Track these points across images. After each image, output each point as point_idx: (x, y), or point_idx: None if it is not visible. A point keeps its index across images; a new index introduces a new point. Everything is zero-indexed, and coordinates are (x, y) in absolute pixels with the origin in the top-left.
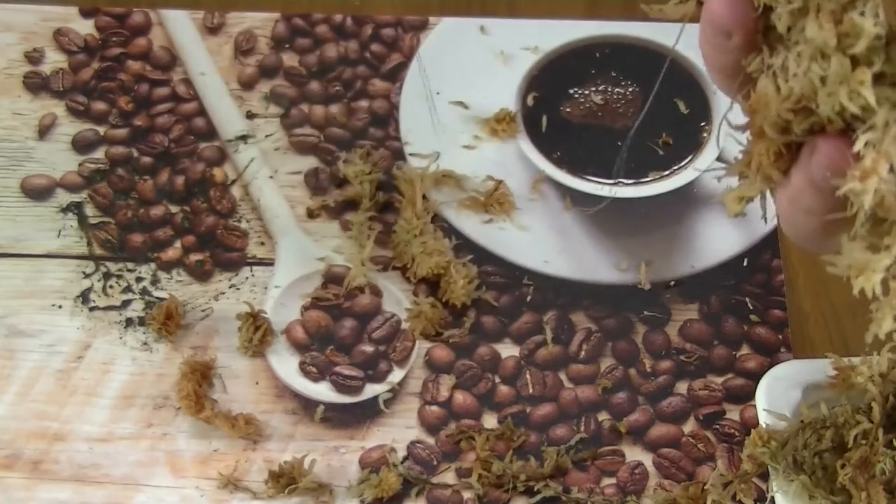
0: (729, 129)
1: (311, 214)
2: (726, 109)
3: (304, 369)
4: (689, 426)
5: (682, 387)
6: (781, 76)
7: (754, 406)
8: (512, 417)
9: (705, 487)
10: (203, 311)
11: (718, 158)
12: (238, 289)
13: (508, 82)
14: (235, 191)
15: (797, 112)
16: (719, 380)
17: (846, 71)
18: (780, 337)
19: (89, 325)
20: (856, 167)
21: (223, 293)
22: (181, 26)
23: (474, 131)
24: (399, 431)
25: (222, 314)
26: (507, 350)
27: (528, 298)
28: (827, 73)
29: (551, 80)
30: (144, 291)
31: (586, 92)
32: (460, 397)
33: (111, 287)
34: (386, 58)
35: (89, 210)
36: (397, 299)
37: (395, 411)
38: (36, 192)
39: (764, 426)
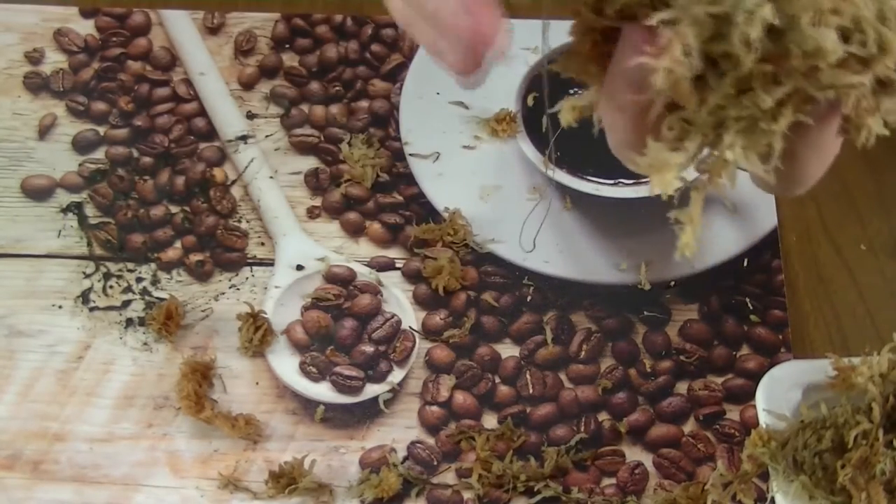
0: None
1: (312, 214)
2: None
3: (304, 369)
4: (689, 426)
5: (682, 387)
6: None
7: (754, 406)
8: (512, 417)
9: (705, 487)
10: (203, 311)
11: None
12: (238, 289)
13: (508, 82)
14: (235, 191)
15: None
16: (719, 380)
17: None
18: (780, 337)
19: (89, 325)
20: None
21: (223, 293)
22: (181, 26)
23: (474, 131)
24: (399, 431)
25: (222, 314)
26: (507, 350)
27: (528, 298)
28: None
29: (551, 80)
30: (144, 292)
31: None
32: (460, 397)
33: (111, 287)
34: (386, 58)
35: (89, 210)
36: (397, 299)
37: (395, 411)
38: (36, 193)
39: (764, 426)
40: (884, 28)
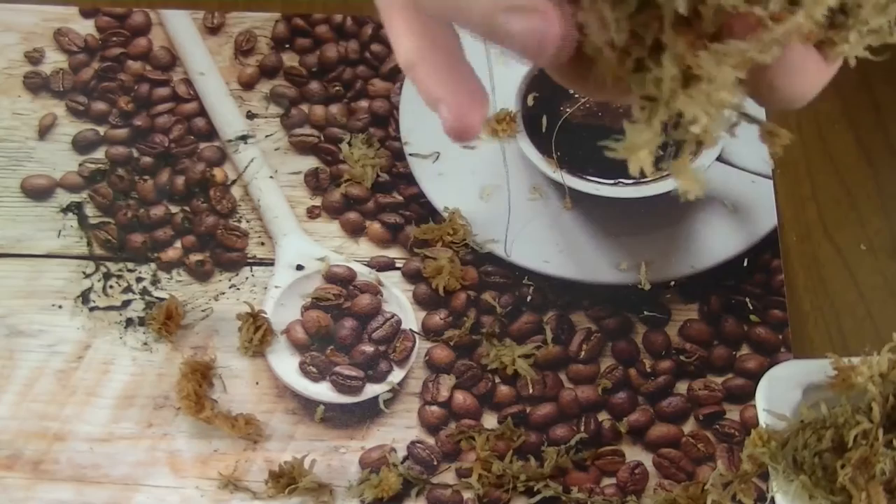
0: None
1: (312, 214)
2: None
3: (304, 369)
4: (689, 426)
5: (682, 387)
6: None
7: (754, 406)
8: (512, 417)
9: (705, 487)
10: (203, 311)
11: (718, 158)
12: (238, 289)
13: (508, 82)
14: (235, 191)
15: None
16: (719, 380)
17: None
18: (780, 337)
19: (89, 325)
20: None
21: (223, 293)
22: (181, 26)
23: None
24: (399, 431)
25: (222, 314)
26: None
27: (528, 298)
28: None
29: (551, 80)
30: (144, 291)
31: None
32: (460, 397)
33: (111, 287)
34: (386, 58)
35: (89, 210)
36: (397, 299)
37: (395, 411)
38: (36, 193)
39: (764, 426)
40: None
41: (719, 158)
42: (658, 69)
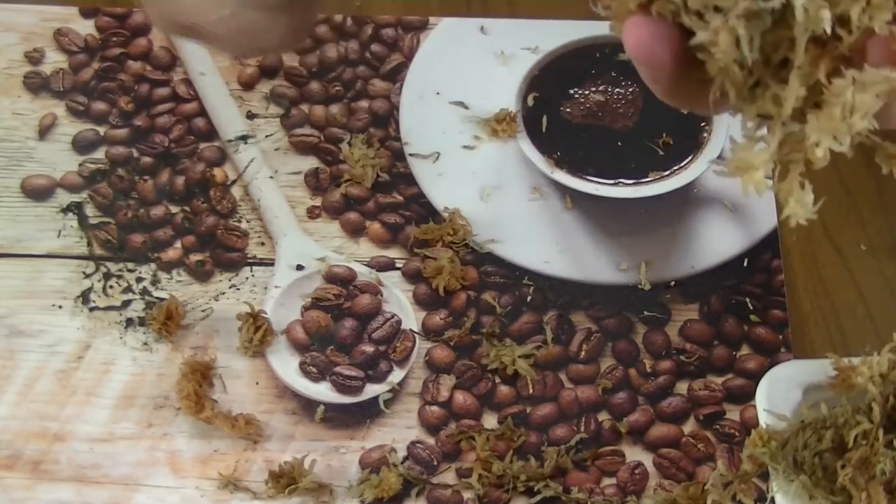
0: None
1: (312, 214)
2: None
3: (304, 369)
4: (689, 426)
5: (682, 387)
6: None
7: (754, 406)
8: (512, 417)
9: (705, 487)
10: (203, 311)
11: (719, 158)
12: (238, 289)
13: (508, 82)
14: (236, 191)
15: None
16: (719, 380)
17: None
18: (780, 337)
19: (89, 325)
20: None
21: (223, 293)
22: None
23: (474, 131)
24: (399, 431)
25: (222, 314)
26: None
27: (528, 298)
28: None
29: (551, 80)
30: (145, 291)
31: (586, 92)
32: (460, 397)
33: (111, 287)
34: (386, 58)
35: (89, 210)
36: (398, 299)
37: (395, 411)
38: (36, 193)
39: (764, 426)
40: None
41: (719, 158)
42: (779, 87)
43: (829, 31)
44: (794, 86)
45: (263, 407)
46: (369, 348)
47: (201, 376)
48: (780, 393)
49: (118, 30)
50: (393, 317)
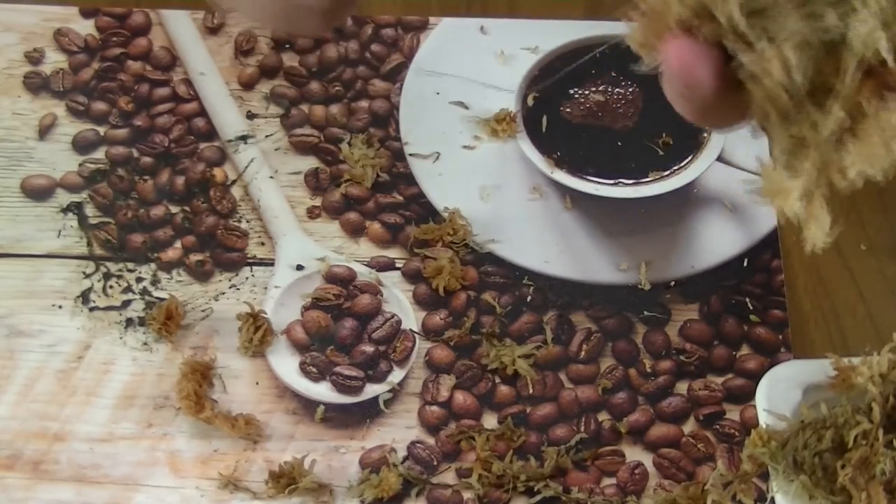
0: None
1: (312, 214)
2: None
3: (304, 369)
4: (689, 426)
5: (682, 387)
6: None
7: (754, 406)
8: (512, 417)
9: (705, 487)
10: (203, 311)
11: (719, 158)
12: (238, 289)
13: (508, 82)
14: (236, 191)
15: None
16: (719, 380)
17: None
18: (780, 337)
19: (89, 325)
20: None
21: (223, 293)
22: (181, 26)
23: (474, 131)
24: (399, 431)
25: (222, 314)
26: None
27: (528, 298)
28: None
29: (551, 80)
30: (144, 291)
31: (586, 92)
32: (460, 397)
33: (111, 287)
34: (386, 58)
35: (89, 210)
36: (398, 299)
37: (395, 411)
38: (36, 193)
39: (764, 426)
40: None
41: (719, 158)
42: (818, 113)
43: (889, 60)
44: (835, 111)
45: (263, 407)
46: (369, 348)
47: (201, 376)
48: (780, 393)
49: (118, 30)
50: (393, 317)
